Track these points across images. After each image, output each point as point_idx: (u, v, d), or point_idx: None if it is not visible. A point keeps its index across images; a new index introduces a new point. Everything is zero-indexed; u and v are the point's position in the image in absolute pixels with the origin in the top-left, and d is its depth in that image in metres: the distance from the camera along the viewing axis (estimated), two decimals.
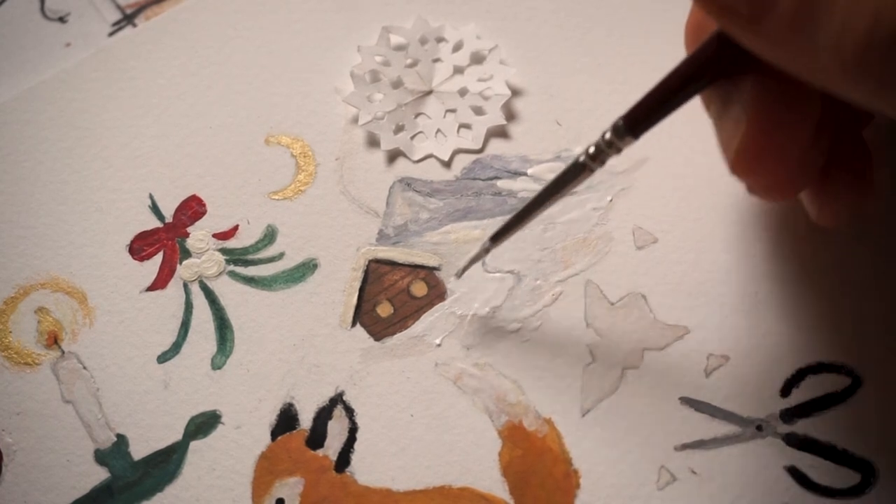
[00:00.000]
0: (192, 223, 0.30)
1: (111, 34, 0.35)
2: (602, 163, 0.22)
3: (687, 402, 0.26)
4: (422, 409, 0.27)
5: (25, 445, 0.28)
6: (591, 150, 0.22)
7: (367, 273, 0.29)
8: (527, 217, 0.24)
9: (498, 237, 0.25)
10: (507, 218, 0.25)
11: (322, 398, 0.27)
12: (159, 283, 0.29)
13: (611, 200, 0.29)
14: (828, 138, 0.22)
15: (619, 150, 0.22)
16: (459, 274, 0.27)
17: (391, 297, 0.29)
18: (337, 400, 0.27)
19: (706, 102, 0.24)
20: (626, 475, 0.25)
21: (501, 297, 0.28)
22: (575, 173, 0.23)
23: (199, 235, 0.30)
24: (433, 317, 0.28)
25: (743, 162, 0.22)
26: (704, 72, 0.20)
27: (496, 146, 0.31)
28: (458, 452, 0.26)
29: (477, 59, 0.32)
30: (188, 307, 0.29)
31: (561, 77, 0.31)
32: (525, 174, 0.30)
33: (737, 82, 0.21)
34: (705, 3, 0.18)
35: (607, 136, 0.21)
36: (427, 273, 0.29)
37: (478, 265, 0.29)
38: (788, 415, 0.26)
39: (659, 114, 0.21)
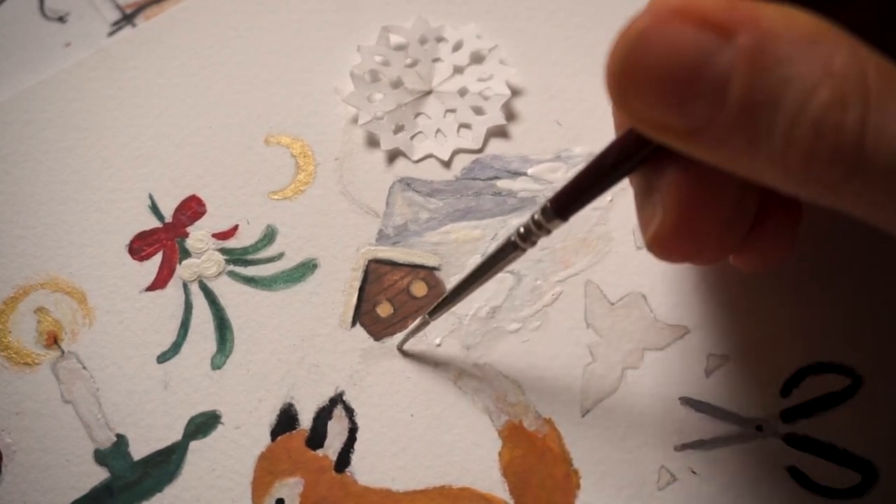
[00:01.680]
0: (191, 223, 0.30)
1: (111, 34, 0.35)
2: (533, 243, 0.22)
3: (687, 402, 0.26)
4: (422, 409, 0.27)
5: (25, 445, 0.28)
6: (522, 230, 0.22)
7: (366, 273, 0.29)
8: (461, 293, 0.25)
9: (435, 311, 0.26)
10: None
11: (322, 398, 0.27)
12: (159, 283, 0.29)
13: (611, 200, 0.29)
14: (754, 204, 0.21)
15: (548, 232, 0.22)
16: (400, 346, 0.28)
17: (391, 297, 0.29)
18: (337, 400, 0.27)
19: (630, 181, 0.23)
20: (627, 475, 0.25)
21: (501, 297, 0.28)
22: (507, 252, 0.23)
23: (198, 235, 0.30)
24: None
25: (658, 247, 0.21)
26: (624, 162, 0.20)
27: (496, 146, 0.31)
28: (458, 452, 0.26)
29: (477, 58, 0.32)
30: (188, 307, 0.29)
31: (561, 77, 0.31)
32: (525, 174, 0.30)
33: (658, 169, 0.20)
34: (632, 119, 0.18)
35: (536, 217, 0.22)
36: (427, 273, 0.29)
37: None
38: (789, 415, 0.26)
39: (584, 199, 0.21)
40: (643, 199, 0.22)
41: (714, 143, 0.17)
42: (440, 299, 0.26)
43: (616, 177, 0.20)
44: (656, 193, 0.21)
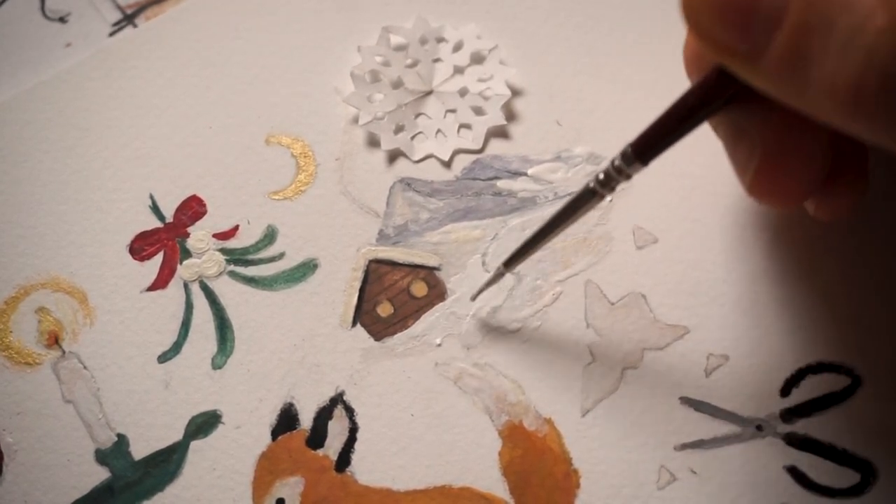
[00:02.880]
0: (192, 223, 0.30)
1: (111, 34, 0.35)
2: (612, 189, 0.22)
3: (687, 402, 0.26)
4: (422, 409, 0.27)
5: (26, 445, 0.28)
6: (601, 176, 0.22)
7: (367, 273, 0.29)
8: (539, 242, 0.25)
9: (511, 262, 0.26)
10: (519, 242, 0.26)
11: (322, 398, 0.27)
12: (160, 283, 0.30)
13: (611, 200, 0.29)
14: (832, 145, 0.22)
15: (628, 177, 0.22)
16: (474, 297, 0.28)
17: (391, 297, 0.29)
18: (337, 400, 0.27)
19: (714, 127, 0.24)
20: (626, 475, 0.25)
21: (502, 297, 0.28)
22: (586, 199, 0.23)
23: (199, 235, 0.30)
24: (433, 317, 0.28)
25: (760, 187, 0.22)
26: (711, 100, 0.20)
27: (496, 146, 0.31)
28: (458, 452, 0.26)
29: (477, 59, 0.32)
30: (189, 307, 0.29)
31: (561, 77, 0.31)
32: (525, 174, 0.30)
33: (745, 108, 0.21)
34: (701, 39, 0.18)
35: (616, 162, 0.21)
36: (427, 273, 0.29)
37: (478, 266, 0.29)
38: (788, 414, 0.26)
39: (667, 141, 0.21)
40: (735, 145, 0.22)
41: (771, 68, 0.17)
42: (517, 249, 0.25)
43: (698, 118, 0.20)
44: (747, 137, 0.21)
